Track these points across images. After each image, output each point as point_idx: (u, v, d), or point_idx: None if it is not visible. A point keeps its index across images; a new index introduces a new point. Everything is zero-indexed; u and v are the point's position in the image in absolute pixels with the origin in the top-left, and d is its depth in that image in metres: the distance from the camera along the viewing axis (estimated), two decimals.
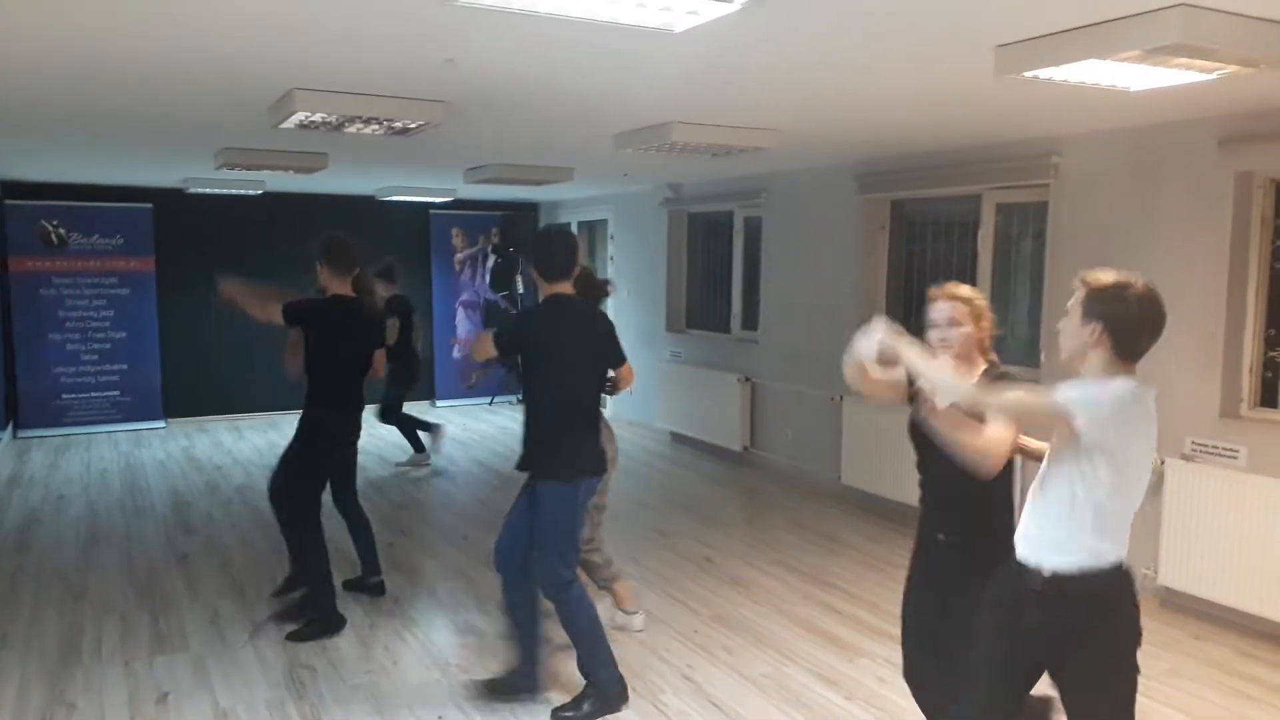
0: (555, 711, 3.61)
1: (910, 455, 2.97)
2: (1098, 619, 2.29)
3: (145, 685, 3.87)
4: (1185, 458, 4.64)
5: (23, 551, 5.62)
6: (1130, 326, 2.33)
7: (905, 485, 5.99)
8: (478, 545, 5.57)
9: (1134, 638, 2.32)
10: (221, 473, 7.57)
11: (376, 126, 4.47)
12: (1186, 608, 4.56)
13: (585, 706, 3.57)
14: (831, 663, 4.13)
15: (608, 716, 3.59)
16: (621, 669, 3.80)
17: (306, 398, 4.44)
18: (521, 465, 3.65)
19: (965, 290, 2.93)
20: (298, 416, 4.46)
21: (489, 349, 3.58)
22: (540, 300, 3.66)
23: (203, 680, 3.92)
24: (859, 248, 6.86)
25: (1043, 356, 5.43)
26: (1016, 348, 5.98)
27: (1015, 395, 2.41)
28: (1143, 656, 2.35)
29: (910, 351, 2.53)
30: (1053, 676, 2.39)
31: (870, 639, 4.37)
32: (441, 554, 5.61)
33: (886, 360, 2.63)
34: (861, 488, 6.59)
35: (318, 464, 4.45)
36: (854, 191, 6.73)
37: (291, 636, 4.30)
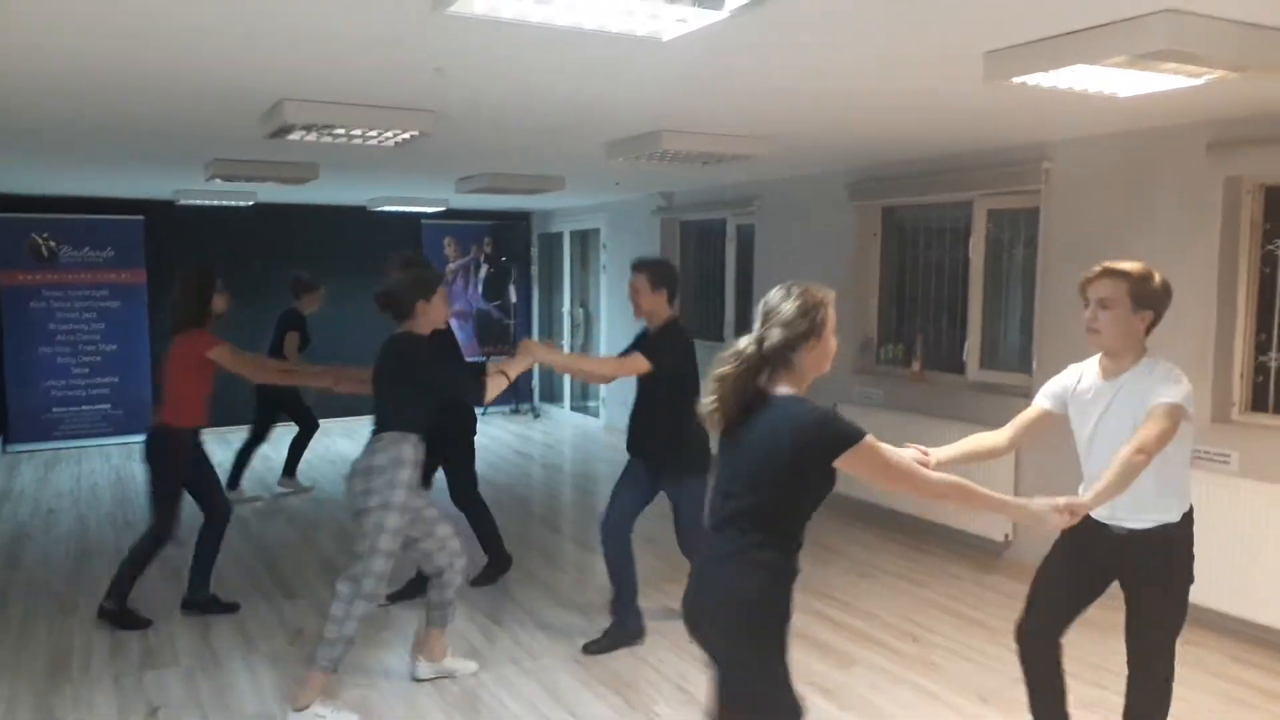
0: (586, 646, 4.27)
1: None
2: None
3: (134, 700, 3.84)
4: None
5: (12, 567, 5.57)
6: (1165, 311, 2.70)
7: (897, 495, 5.99)
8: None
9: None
10: None
11: (367, 137, 4.46)
12: None
13: (607, 641, 4.26)
14: (826, 671, 4.11)
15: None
16: (614, 680, 3.98)
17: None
18: (667, 466, 4.19)
19: (1131, 266, 2.71)
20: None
21: (629, 368, 4.03)
22: (670, 322, 4.14)
23: (193, 696, 3.88)
24: (852, 255, 6.86)
25: (1035, 364, 5.43)
26: (1009, 354, 5.99)
27: (1156, 436, 2.55)
28: None
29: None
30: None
31: (863, 647, 4.34)
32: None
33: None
34: (856, 495, 6.56)
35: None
36: (846, 199, 6.73)
37: None
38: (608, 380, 4.03)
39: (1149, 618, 2.82)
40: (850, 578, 5.35)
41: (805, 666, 4.17)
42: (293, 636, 4.49)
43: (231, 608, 4.81)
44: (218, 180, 6.73)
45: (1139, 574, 2.81)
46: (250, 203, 8.90)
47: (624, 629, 4.33)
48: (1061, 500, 2.40)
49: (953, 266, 6.34)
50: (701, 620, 2.38)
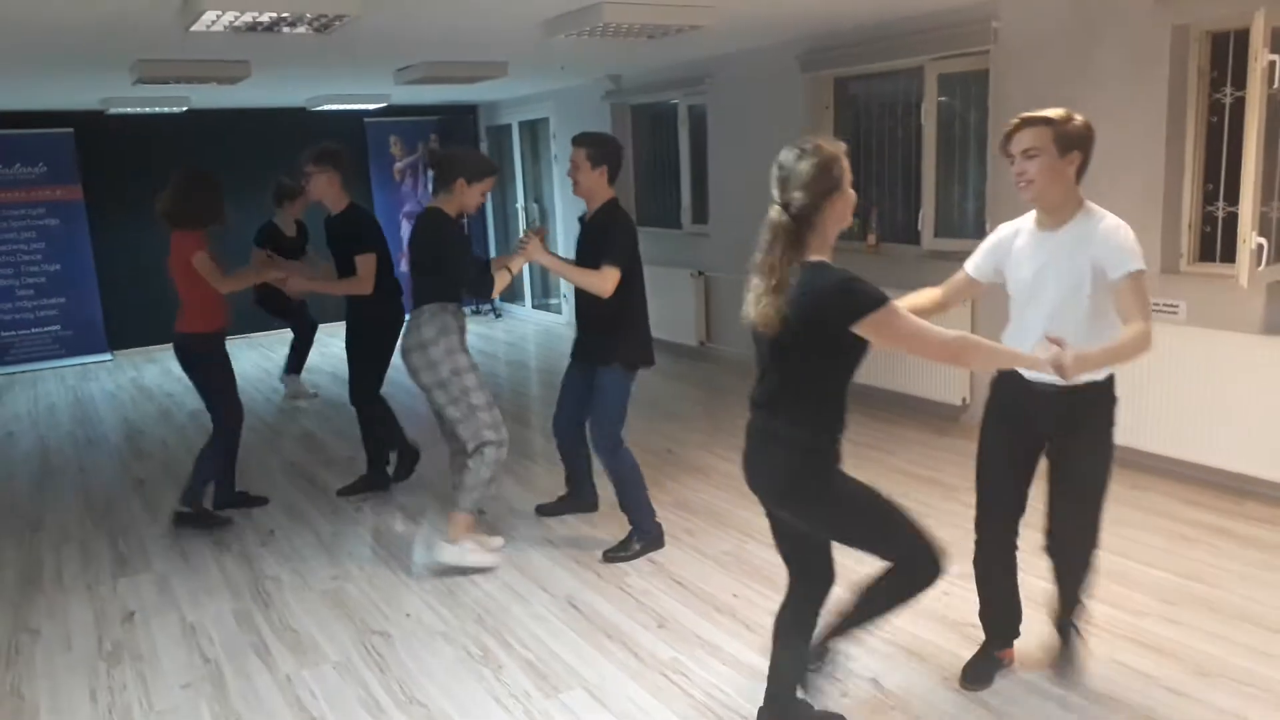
0: (607, 553, 4.08)
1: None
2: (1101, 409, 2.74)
3: (110, 606, 3.87)
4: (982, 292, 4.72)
5: None
6: (1091, 152, 2.60)
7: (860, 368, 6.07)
8: (433, 452, 5.57)
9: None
10: (173, 399, 7.46)
11: (294, 24, 4.27)
12: (1128, 461, 4.66)
13: (635, 546, 4.09)
14: None
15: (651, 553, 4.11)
16: (583, 558, 4.10)
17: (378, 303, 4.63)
18: (603, 357, 3.98)
19: (1051, 112, 2.60)
20: (250, 336, 4.40)
21: (613, 282, 3.82)
22: (610, 202, 3.96)
23: (168, 598, 3.92)
24: (805, 130, 6.77)
25: (988, 229, 5.44)
26: (963, 222, 6.00)
27: (1145, 307, 2.54)
28: None
29: None
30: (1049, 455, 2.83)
31: None
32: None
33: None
34: None
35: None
36: (797, 71, 6.61)
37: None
38: (589, 288, 3.83)
39: (1078, 478, 2.80)
40: None
41: (767, 532, 4.26)
42: (264, 537, 4.51)
43: (259, 499, 4.92)
44: (146, 85, 6.46)
45: (1068, 430, 2.76)
46: (184, 109, 8.58)
47: (642, 532, 4.13)
48: (1069, 355, 2.33)
49: (906, 137, 6.29)
50: (757, 490, 2.51)
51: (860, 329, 2.21)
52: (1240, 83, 4.32)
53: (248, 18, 4.05)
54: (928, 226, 6.11)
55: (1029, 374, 2.70)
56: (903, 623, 3.36)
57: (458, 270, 3.82)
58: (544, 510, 4.62)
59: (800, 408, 2.36)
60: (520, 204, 10.85)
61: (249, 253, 6.31)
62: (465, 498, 3.91)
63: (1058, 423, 2.76)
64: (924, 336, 2.27)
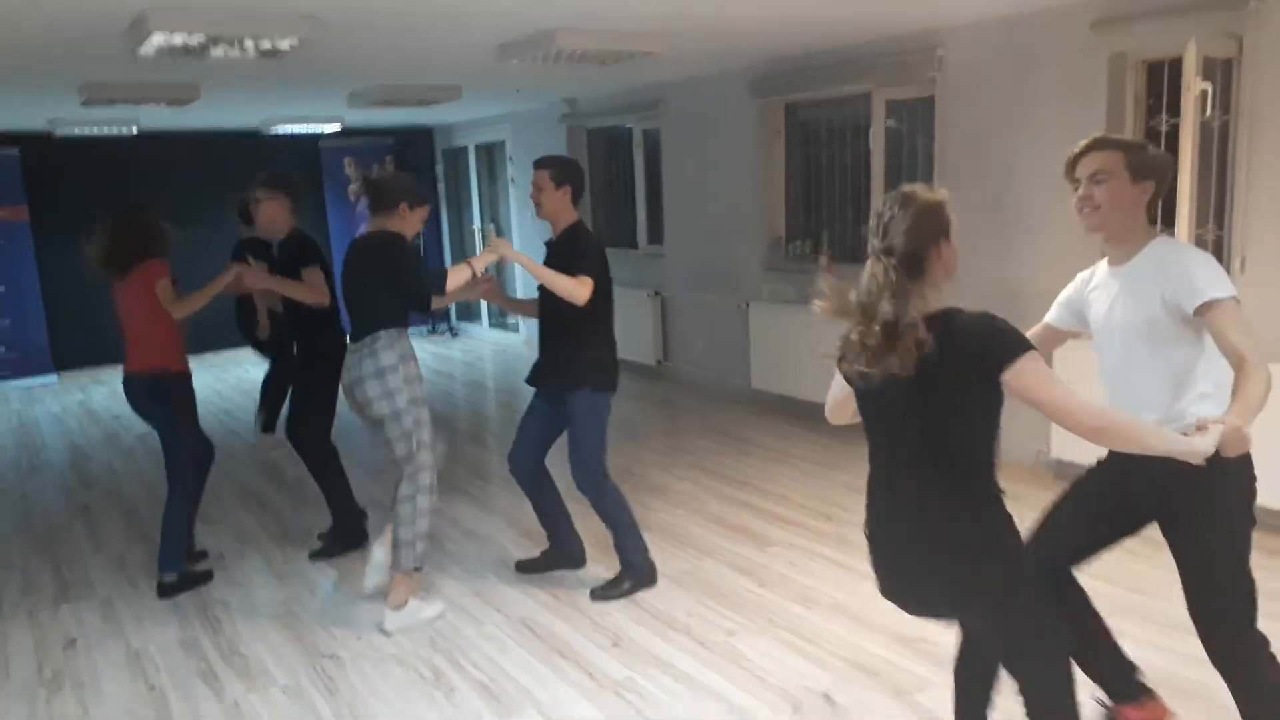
0: (594, 591, 3.90)
1: (815, 354, 2.80)
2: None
3: (51, 633, 3.78)
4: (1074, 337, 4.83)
5: None
6: (1166, 186, 2.37)
7: (811, 384, 6.17)
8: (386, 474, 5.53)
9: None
10: (120, 422, 7.32)
11: (243, 49, 4.25)
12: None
13: (625, 585, 3.91)
14: (746, 554, 4.26)
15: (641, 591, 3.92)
16: (539, 579, 4.07)
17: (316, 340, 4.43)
18: (571, 381, 3.81)
19: (1121, 136, 2.41)
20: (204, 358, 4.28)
21: (587, 289, 3.68)
22: (576, 223, 3.85)
23: (113, 624, 3.84)
24: (756, 154, 6.87)
25: None
26: None
27: (1247, 329, 2.16)
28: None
29: None
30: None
31: (781, 529, 4.50)
32: (359, 486, 5.55)
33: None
34: (771, 390, 6.72)
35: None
36: (748, 96, 6.71)
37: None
38: (564, 294, 3.65)
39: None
40: (768, 466, 5.50)
41: (725, 550, 4.31)
42: (214, 560, 4.44)
43: (205, 574, 4.30)
44: (94, 106, 6.38)
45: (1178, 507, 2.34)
46: (133, 130, 8.46)
47: (634, 571, 3.95)
48: (1226, 428, 1.97)
49: (855, 161, 6.40)
50: (915, 595, 2.15)
51: (1011, 375, 1.92)
52: (1175, 110, 4.46)
53: (195, 41, 4.03)
54: None
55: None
56: (855, 638, 3.40)
57: (417, 281, 3.65)
58: (525, 567, 4.19)
59: (961, 472, 2.02)
60: (477, 225, 10.84)
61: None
62: (405, 555, 3.62)
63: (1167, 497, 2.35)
64: (1072, 395, 1.94)
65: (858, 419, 2.23)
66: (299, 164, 9.99)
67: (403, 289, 3.65)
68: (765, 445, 5.96)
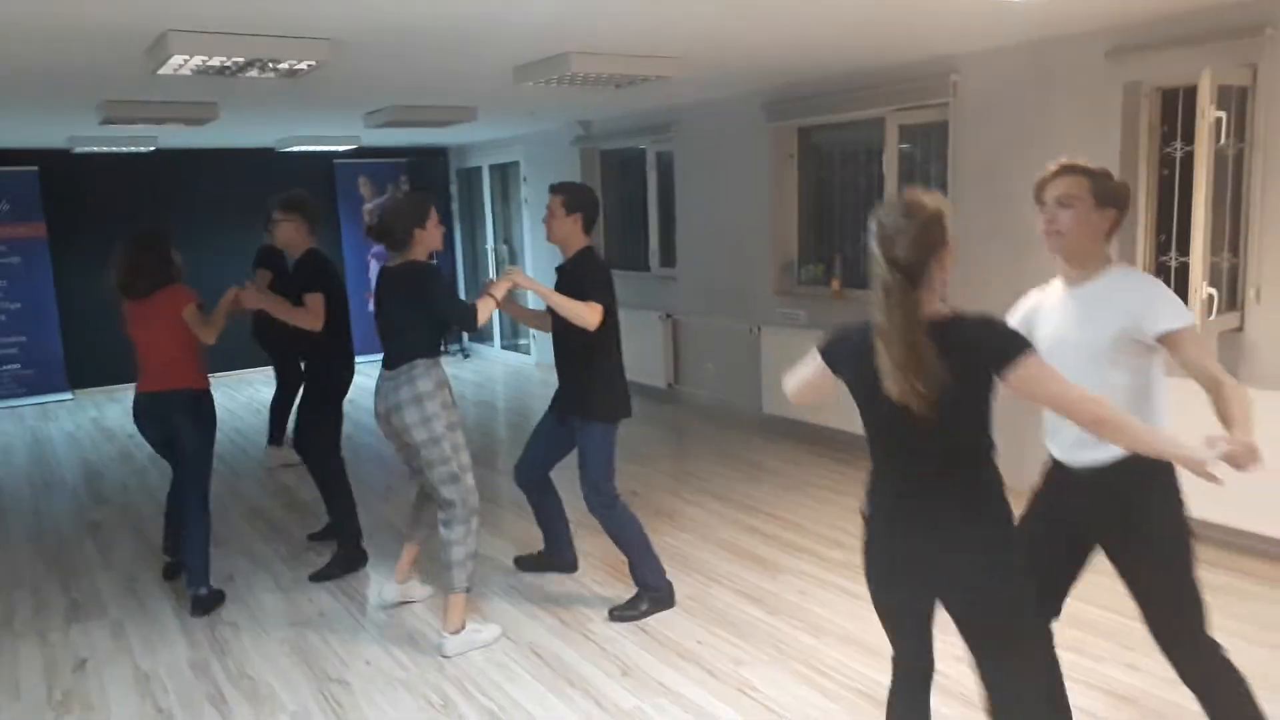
0: (613, 611, 3.94)
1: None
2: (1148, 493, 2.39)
3: (62, 654, 3.78)
4: None
5: None
6: (1125, 214, 2.45)
7: (824, 410, 6.15)
8: (401, 495, 5.52)
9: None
10: (134, 441, 7.32)
11: (261, 70, 4.29)
12: None
13: (643, 606, 3.94)
14: (755, 581, 4.23)
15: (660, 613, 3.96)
16: (547, 604, 4.04)
17: (320, 356, 4.54)
18: (583, 412, 3.90)
19: (1087, 163, 2.45)
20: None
21: (598, 315, 3.75)
22: (586, 249, 3.91)
23: (122, 645, 3.84)
24: (769, 177, 6.88)
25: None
26: None
27: (1210, 353, 2.27)
28: None
29: None
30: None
31: (791, 556, 4.47)
32: (367, 506, 5.55)
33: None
34: (782, 415, 6.69)
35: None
36: (762, 120, 6.72)
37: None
38: (575, 319, 3.72)
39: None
40: (778, 492, 5.47)
41: (736, 577, 4.29)
42: (224, 581, 4.44)
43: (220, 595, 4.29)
44: (113, 125, 6.44)
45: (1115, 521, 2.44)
46: (150, 149, 8.54)
47: (652, 592, 3.99)
48: (1241, 446, 2.00)
49: (868, 185, 6.40)
50: (917, 575, 2.20)
51: (1014, 374, 1.98)
52: (1189, 137, 4.45)
53: (215, 62, 4.07)
54: None
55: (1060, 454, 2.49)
56: (865, 669, 3.37)
57: (450, 316, 3.73)
58: (523, 565, 4.49)
59: (972, 472, 2.10)
60: (490, 245, 10.88)
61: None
62: (458, 576, 3.68)
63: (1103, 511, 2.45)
64: (1070, 388, 2.02)
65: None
66: (314, 181, 10.04)
67: (438, 318, 3.72)
68: (776, 470, 5.93)
